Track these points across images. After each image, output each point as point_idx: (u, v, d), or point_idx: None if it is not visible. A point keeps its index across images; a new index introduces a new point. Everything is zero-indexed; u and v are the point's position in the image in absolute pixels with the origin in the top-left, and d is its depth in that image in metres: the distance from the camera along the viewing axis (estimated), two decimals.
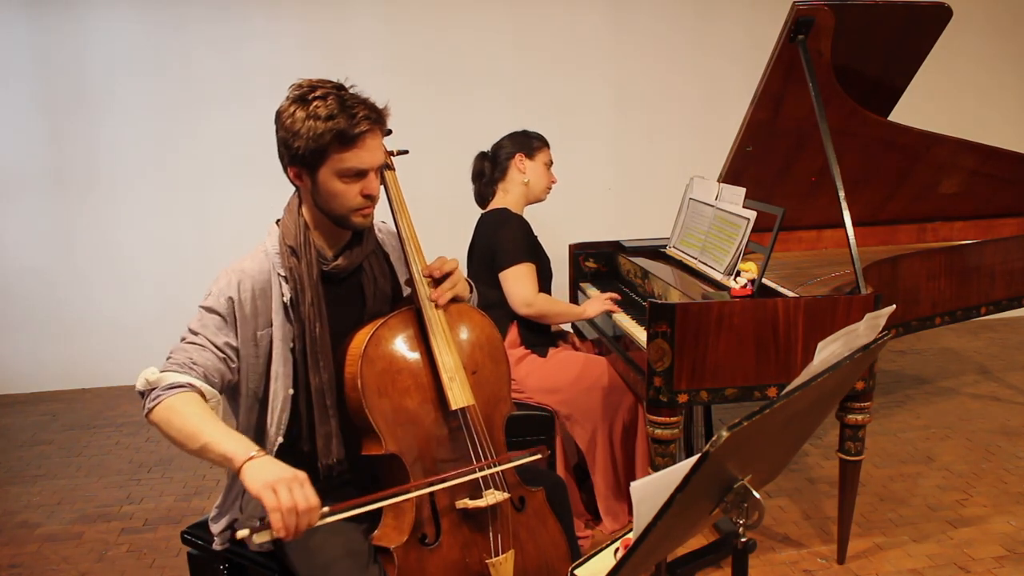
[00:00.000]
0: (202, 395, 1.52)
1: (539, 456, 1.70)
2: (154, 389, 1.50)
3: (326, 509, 1.38)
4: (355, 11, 4.47)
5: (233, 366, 1.62)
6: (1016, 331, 5.17)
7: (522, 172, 2.86)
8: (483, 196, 2.96)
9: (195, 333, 1.59)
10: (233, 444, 1.40)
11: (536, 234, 2.86)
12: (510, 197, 2.88)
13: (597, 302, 2.85)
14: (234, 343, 1.61)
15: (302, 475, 1.36)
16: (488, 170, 2.92)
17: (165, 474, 3.42)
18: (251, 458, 1.36)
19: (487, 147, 2.98)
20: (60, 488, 3.32)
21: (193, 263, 4.51)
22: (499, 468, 1.67)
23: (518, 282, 2.72)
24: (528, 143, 2.90)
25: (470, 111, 4.62)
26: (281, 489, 1.31)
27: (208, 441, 1.41)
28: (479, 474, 1.64)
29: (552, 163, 2.95)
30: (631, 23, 4.73)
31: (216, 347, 1.59)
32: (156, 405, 1.48)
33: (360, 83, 1.67)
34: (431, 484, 1.58)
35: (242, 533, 1.31)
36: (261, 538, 1.31)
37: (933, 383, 4.29)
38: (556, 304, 2.81)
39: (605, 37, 4.73)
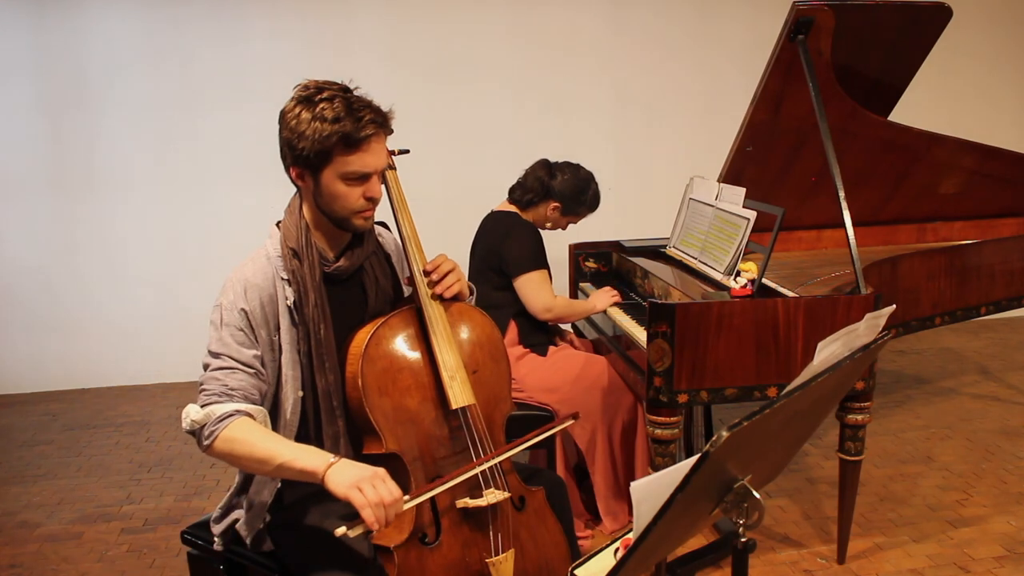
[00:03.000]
0: (251, 416, 1.55)
1: (571, 422, 1.75)
2: (204, 426, 1.53)
3: (406, 497, 1.45)
4: (355, 9, 4.47)
5: (264, 377, 1.63)
6: (1016, 331, 5.17)
7: (544, 216, 2.92)
8: (515, 193, 2.93)
9: (218, 356, 1.59)
10: (309, 458, 1.46)
11: None
12: (526, 213, 2.91)
13: (603, 295, 2.90)
14: (258, 352, 1.62)
15: (381, 471, 1.43)
16: (543, 182, 2.86)
17: (165, 474, 3.42)
18: (331, 464, 1.44)
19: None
20: (60, 488, 3.32)
21: (193, 262, 4.52)
22: (537, 439, 1.68)
23: (537, 289, 2.75)
24: (575, 207, 2.91)
25: (470, 111, 4.62)
26: (366, 487, 1.39)
27: (283, 462, 1.47)
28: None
29: (577, 223, 3.01)
30: (632, 23, 4.73)
31: (244, 364, 1.59)
32: (213, 441, 1.52)
33: (360, 81, 1.67)
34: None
35: (340, 531, 1.37)
36: (355, 532, 1.39)
37: (933, 383, 4.29)
38: (572, 305, 2.87)
39: (606, 38, 4.73)
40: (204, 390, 1.57)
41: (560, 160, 2.95)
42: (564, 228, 3.02)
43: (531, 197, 2.87)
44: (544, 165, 2.91)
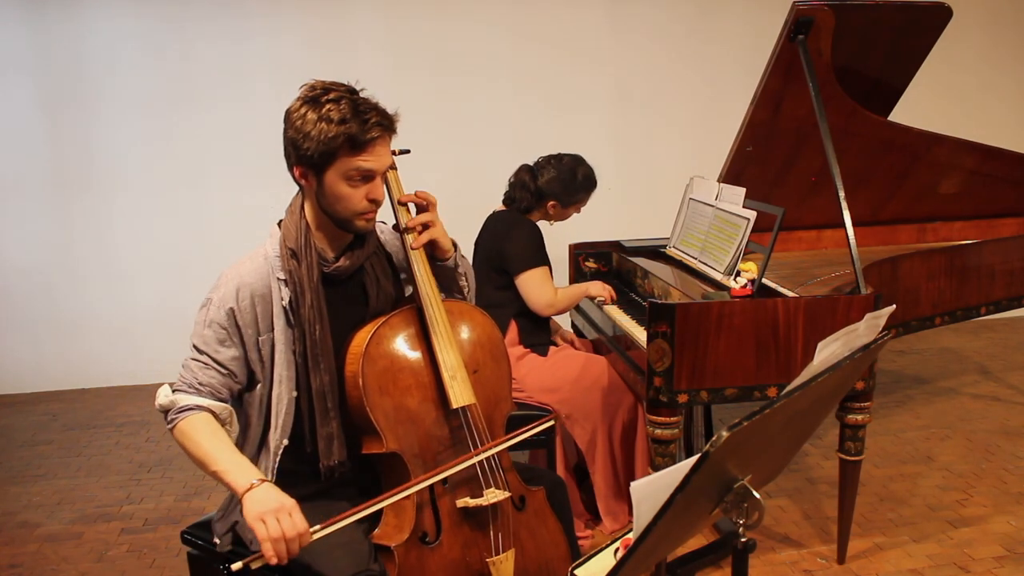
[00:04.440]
0: (213, 412, 1.61)
1: (551, 423, 1.77)
2: (168, 412, 1.61)
3: (317, 528, 1.46)
4: (355, 7, 4.47)
5: (238, 378, 1.66)
6: (1016, 331, 5.17)
7: (548, 215, 2.91)
8: (513, 200, 2.91)
9: (200, 351, 1.64)
10: (235, 475, 1.50)
11: None
12: (528, 215, 2.90)
13: (598, 283, 2.96)
14: (237, 354, 1.65)
15: (290, 503, 1.45)
16: (531, 189, 2.84)
17: (165, 474, 3.43)
18: (251, 487, 1.47)
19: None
20: (60, 488, 3.32)
21: (193, 261, 4.51)
22: (511, 442, 1.69)
23: (539, 286, 2.76)
24: (569, 197, 2.86)
25: (470, 110, 4.62)
26: (270, 520, 1.42)
27: (216, 470, 1.53)
28: (476, 459, 1.65)
29: (585, 204, 2.97)
30: (632, 21, 4.73)
31: (219, 364, 1.63)
32: (172, 427, 1.61)
33: (359, 79, 1.67)
34: (420, 482, 1.58)
35: (236, 566, 1.39)
36: (256, 564, 1.41)
37: (933, 383, 4.29)
38: (570, 296, 2.88)
39: (607, 38, 4.73)
40: (180, 375, 1.65)
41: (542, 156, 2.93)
42: (579, 212, 2.98)
43: (526, 204, 2.86)
44: (526, 170, 2.89)
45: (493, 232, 2.86)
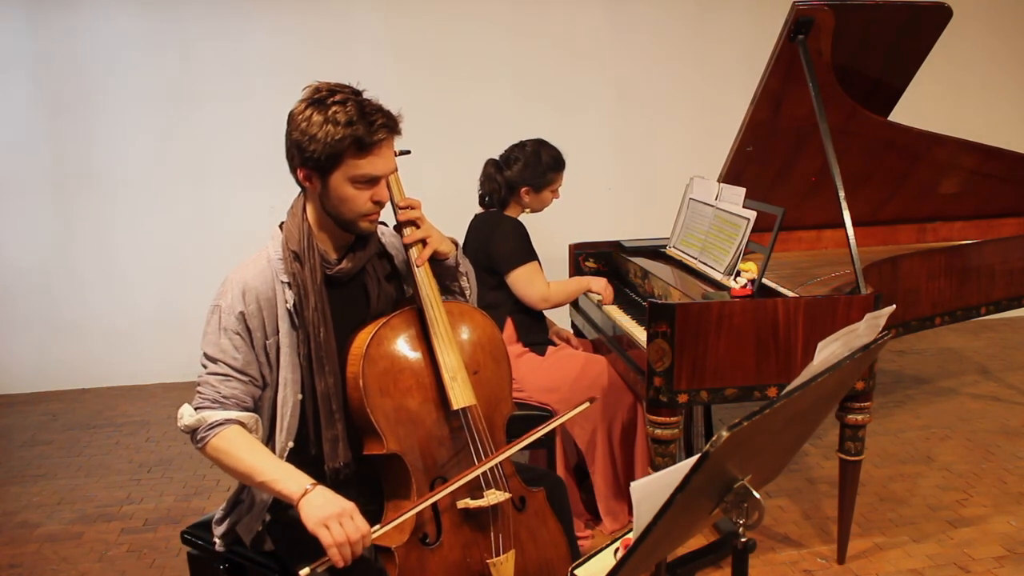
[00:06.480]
0: (243, 423, 1.60)
1: (587, 405, 1.78)
2: (196, 431, 1.58)
3: (376, 527, 1.48)
4: (355, 6, 4.47)
5: (258, 383, 1.65)
6: (1016, 331, 5.17)
7: (525, 204, 2.89)
8: (485, 201, 2.93)
9: (214, 361, 1.61)
10: (286, 482, 1.50)
11: (536, 233, 2.87)
12: (508, 210, 2.90)
13: (601, 279, 2.97)
14: (252, 358, 1.63)
15: (349, 506, 1.47)
16: (499, 182, 2.85)
17: (165, 474, 3.43)
18: (305, 492, 1.48)
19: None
20: (60, 488, 3.32)
21: (193, 262, 4.51)
22: (555, 423, 1.71)
23: (530, 282, 2.76)
24: (539, 179, 2.84)
25: (470, 110, 4.62)
26: (333, 525, 1.43)
27: (264, 481, 1.53)
28: (517, 447, 1.65)
29: (560, 186, 2.95)
30: (633, 21, 4.73)
31: (238, 371, 1.61)
32: (204, 445, 1.59)
33: (359, 79, 1.67)
34: (460, 479, 1.58)
35: (304, 572, 1.39)
36: (322, 568, 1.44)
37: (933, 383, 4.29)
38: (567, 288, 2.89)
39: (607, 38, 4.73)
40: (199, 393, 1.61)
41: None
42: (557, 196, 2.95)
43: (501, 197, 2.87)
44: (492, 164, 2.89)
45: (477, 234, 2.87)
